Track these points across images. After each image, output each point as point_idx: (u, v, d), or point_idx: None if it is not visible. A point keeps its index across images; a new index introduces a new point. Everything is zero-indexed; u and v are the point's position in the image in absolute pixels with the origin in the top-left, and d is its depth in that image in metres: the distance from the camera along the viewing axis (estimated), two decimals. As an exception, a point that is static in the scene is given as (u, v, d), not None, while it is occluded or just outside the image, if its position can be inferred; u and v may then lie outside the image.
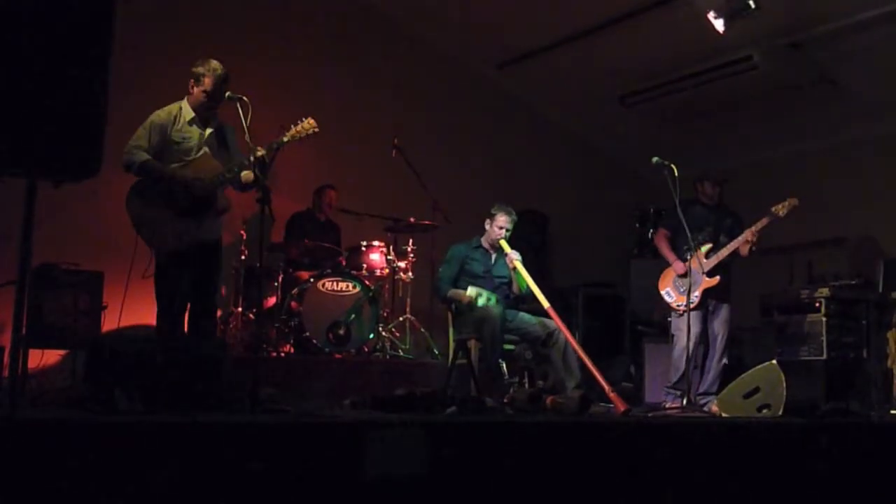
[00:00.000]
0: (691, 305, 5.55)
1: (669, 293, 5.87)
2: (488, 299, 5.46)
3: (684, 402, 5.32)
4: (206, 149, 4.71)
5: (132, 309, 6.36)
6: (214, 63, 4.64)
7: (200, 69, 4.64)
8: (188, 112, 4.69)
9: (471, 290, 5.47)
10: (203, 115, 4.71)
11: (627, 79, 8.01)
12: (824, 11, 6.62)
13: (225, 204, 4.73)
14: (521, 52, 8.20)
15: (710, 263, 5.70)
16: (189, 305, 4.70)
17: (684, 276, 5.76)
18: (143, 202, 4.54)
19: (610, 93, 8.18)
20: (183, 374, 3.55)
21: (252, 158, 4.44)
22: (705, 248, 5.76)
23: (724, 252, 5.70)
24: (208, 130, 4.74)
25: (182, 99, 4.73)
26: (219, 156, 4.72)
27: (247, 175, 4.61)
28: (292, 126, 4.76)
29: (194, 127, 4.70)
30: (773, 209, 5.64)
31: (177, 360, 3.61)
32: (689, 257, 5.73)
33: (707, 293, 5.71)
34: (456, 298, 5.58)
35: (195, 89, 4.66)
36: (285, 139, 4.71)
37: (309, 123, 4.77)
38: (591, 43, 7.61)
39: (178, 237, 4.54)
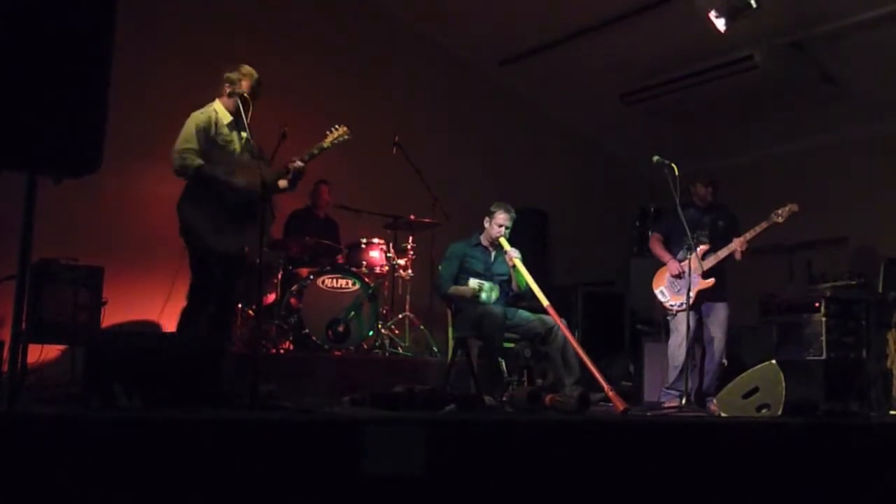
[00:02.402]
0: (684, 307, 5.55)
1: (663, 292, 5.89)
2: (491, 289, 5.47)
3: (683, 401, 5.33)
4: (247, 153, 4.77)
5: (132, 304, 6.41)
6: (247, 67, 4.72)
7: (235, 74, 4.70)
8: (225, 115, 4.73)
9: (472, 283, 5.48)
10: (238, 120, 4.73)
11: (629, 77, 8.01)
12: (825, 11, 6.63)
13: (272, 208, 4.85)
14: (522, 50, 8.20)
15: (706, 264, 5.70)
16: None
17: (679, 276, 5.77)
18: (196, 206, 4.56)
19: (611, 91, 8.18)
20: (182, 371, 3.55)
21: (291, 168, 4.72)
22: (701, 248, 5.75)
23: (720, 254, 5.70)
24: (244, 134, 4.77)
25: (199, 100, 4.80)
26: (258, 160, 4.80)
27: (283, 183, 4.78)
28: (327, 133, 4.98)
29: (233, 131, 4.74)
30: (773, 215, 5.63)
31: (176, 357, 3.61)
32: (688, 256, 5.74)
33: (701, 294, 5.71)
34: (457, 295, 5.57)
35: (229, 93, 4.71)
36: (325, 145, 4.93)
37: (343, 130, 5.00)
38: (592, 41, 7.62)
39: (228, 241, 4.61)
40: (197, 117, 4.66)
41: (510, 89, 8.85)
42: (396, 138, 6.88)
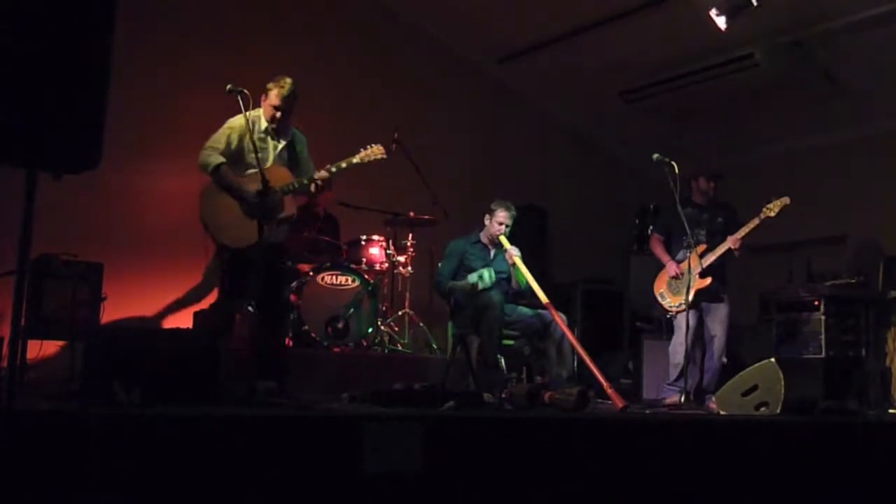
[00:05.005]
0: (683, 307, 5.55)
1: (663, 295, 5.90)
2: (489, 275, 5.49)
3: (682, 399, 5.33)
4: (278, 160, 4.91)
5: (132, 300, 6.40)
6: (286, 80, 4.81)
7: (270, 84, 4.82)
8: (263, 122, 4.86)
9: (471, 276, 5.50)
10: (276, 127, 4.88)
11: (629, 75, 8.00)
12: (826, 9, 6.62)
13: (291, 211, 4.95)
14: (522, 47, 8.19)
15: (705, 262, 5.70)
16: (256, 304, 4.97)
17: (677, 276, 5.77)
18: (215, 202, 4.71)
19: (611, 89, 8.17)
20: (181, 367, 3.55)
21: (317, 178, 4.91)
22: (699, 248, 5.75)
23: (718, 251, 5.70)
24: (282, 143, 4.93)
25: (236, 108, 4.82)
26: (289, 165, 4.95)
27: (314, 188, 4.98)
28: (361, 150, 5.14)
29: (268, 137, 4.88)
30: (764, 209, 5.63)
31: (175, 353, 3.61)
32: (687, 255, 5.74)
33: (699, 294, 5.71)
34: (457, 289, 5.58)
35: (264, 103, 4.84)
36: (355, 160, 5.08)
37: (377, 150, 5.17)
38: (592, 39, 7.60)
39: (243, 239, 4.68)
40: (237, 119, 4.76)
41: (510, 86, 8.84)
42: (396, 135, 6.85)
